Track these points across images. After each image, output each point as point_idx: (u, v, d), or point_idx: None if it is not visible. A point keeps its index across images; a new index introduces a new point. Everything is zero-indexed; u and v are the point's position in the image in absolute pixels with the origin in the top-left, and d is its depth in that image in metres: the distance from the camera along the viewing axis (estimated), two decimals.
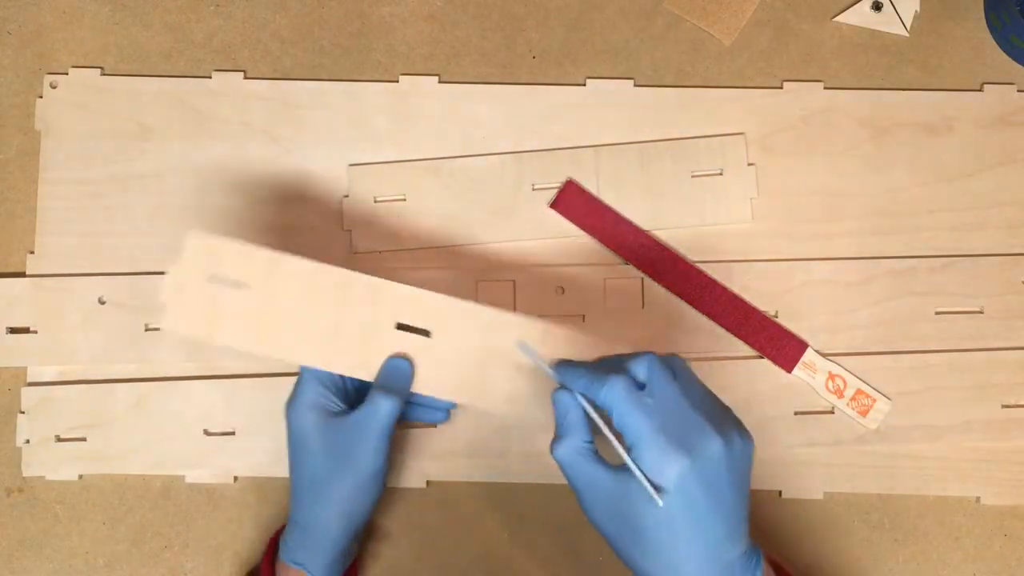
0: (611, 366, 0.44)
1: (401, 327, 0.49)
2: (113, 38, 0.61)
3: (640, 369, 0.43)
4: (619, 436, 0.42)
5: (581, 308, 0.58)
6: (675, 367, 0.44)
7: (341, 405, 0.50)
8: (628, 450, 0.41)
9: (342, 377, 0.51)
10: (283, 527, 0.53)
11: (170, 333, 0.48)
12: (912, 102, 0.61)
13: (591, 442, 0.44)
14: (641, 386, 0.43)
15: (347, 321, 0.49)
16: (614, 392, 0.42)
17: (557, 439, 0.44)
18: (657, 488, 0.40)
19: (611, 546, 0.43)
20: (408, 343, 0.49)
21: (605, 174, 0.60)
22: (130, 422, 0.57)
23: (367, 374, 0.50)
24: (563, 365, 0.47)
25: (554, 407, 0.45)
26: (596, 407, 0.44)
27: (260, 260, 0.49)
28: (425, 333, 0.50)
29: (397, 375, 0.49)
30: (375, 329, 0.49)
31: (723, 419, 0.43)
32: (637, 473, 0.40)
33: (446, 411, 0.54)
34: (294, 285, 0.49)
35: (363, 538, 0.57)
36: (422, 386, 0.50)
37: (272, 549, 0.52)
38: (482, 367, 0.50)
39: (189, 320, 0.48)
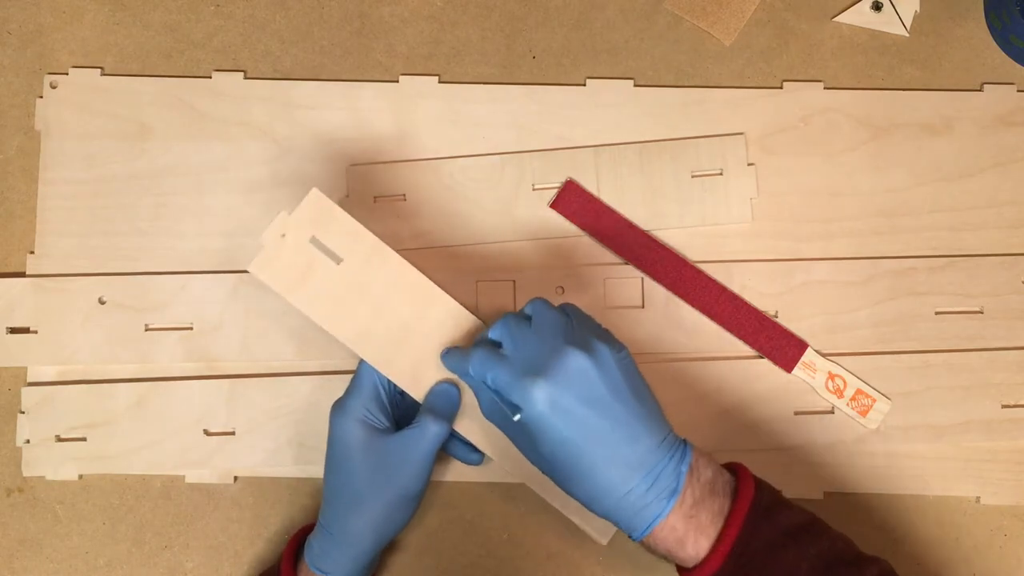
0: (477, 340, 0.49)
1: None
2: (113, 38, 0.61)
3: (495, 332, 0.48)
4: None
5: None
6: (530, 311, 0.48)
7: (385, 423, 0.50)
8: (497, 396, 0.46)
9: (387, 392, 0.51)
10: (304, 529, 0.53)
11: (254, 274, 0.48)
12: (912, 102, 0.61)
13: (496, 397, 0.47)
14: (499, 345, 0.47)
15: (416, 332, 0.50)
16: (476, 361, 0.46)
17: (480, 405, 0.49)
18: (514, 408, 0.44)
19: (554, 483, 0.46)
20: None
21: (605, 174, 0.60)
22: (130, 422, 0.57)
23: (414, 390, 0.50)
24: (446, 353, 0.50)
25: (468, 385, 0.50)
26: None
27: (364, 242, 0.49)
28: None
29: (445, 401, 0.50)
30: (436, 350, 0.50)
31: (584, 336, 0.45)
32: (501, 404, 0.45)
33: (482, 454, 0.54)
34: (384, 278, 0.49)
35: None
36: (460, 424, 0.50)
37: (292, 550, 0.52)
38: None
39: (276, 270, 0.49)
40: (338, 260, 0.49)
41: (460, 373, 0.49)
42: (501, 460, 0.51)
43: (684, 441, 0.46)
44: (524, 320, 0.47)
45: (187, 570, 0.58)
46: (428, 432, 0.49)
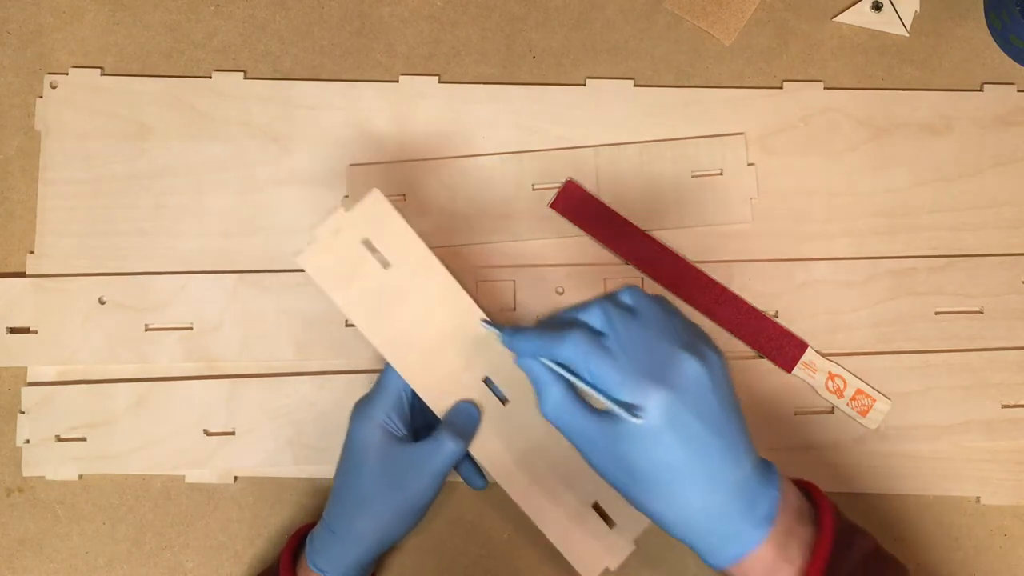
0: (564, 323, 0.42)
1: (487, 382, 0.50)
2: (113, 38, 0.61)
3: (593, 317, 0.42)
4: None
5: None
6: (631, 301, 0.42)
7: (403, 431, 0.50)
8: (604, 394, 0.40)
9: (409, 400, 0.50)
10: (306, 526, 0.53)
11: (300, 265, 0.48)
12: (912, 102, 0.61)
13: (571, 391, 0.42)
14: (600, 333, 0.41)
15: (449, 349, 0.49)
16: (573, 347, 0.41)
17: (540, 400, 0.43)
18: (632, 410, 0.39)
19: (621, 493, 0.42)
20: (483, 399, 0.50)
21: (605, 174, 0.59)
22: (130, 422, 0.57)
23: (436, 405, 0.50)
24: (512, 333, 0.44)
25: (528, 375, 0.44)
26: (563, 367, 0.42)
27: (415, 251, 0.48)
28: (503, 400, 0.50)
29: (466, 420, 0.49)
30: (465, 370, 0.50)
31: (693, 340, 0.41)
32: (608, 403, 0.39)
33: (486, 481, 0.53)
34: (428, 290, 0.49)
35: None
36: (475, 446, 0.50)
37: (292, 547, 0.52)
38: (532, 465, 0.50)
39: (323, 266, 0.48)
40: (386, 265, 0.48)
41: (530, 354, 0.43)
42: (507, 486, 0.50)
43: (769, 463, 0.42)
44: (627, 310, 0.42)
45: (187, 570, 0.58)
46: (445, 448, 0.48)
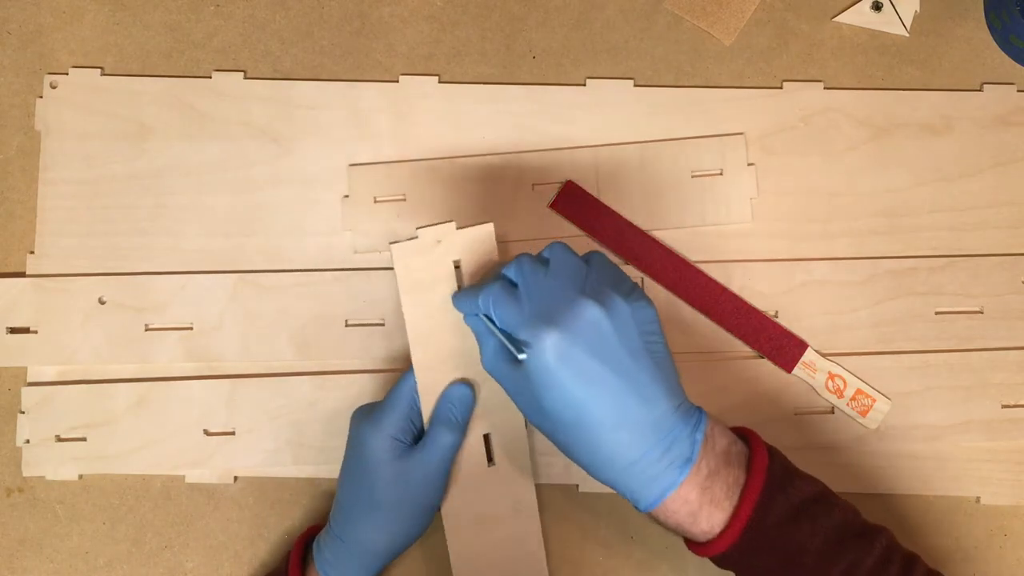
0: (492, 278, 0.47)
1: (486, 438, 0.52)
2: (113, 38, 0.61)
3: (511, 270, 0.45)
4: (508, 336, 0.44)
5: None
6: (548, 255, 0.45)
7: (409, 440, 0.50)
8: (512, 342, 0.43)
9: (417, 411, 0.51)
10: (310, 530, 0.53)
11: (392, 251, 0.49)
12: (912, 102, 0.61)
13: (502, 345, 0.45)
14: (515, 285, 0.45)
15: (475, 386, 0.51)
16: (488, 299, 0.44)
17: (481, 354, 0.47)
18: (519, 348, 0.42)
19: (550, 440, 0.44)
20: (476, 455, 0.52)
21: (605, 174, 0.59)
22: (130, 422, 0.57)
23: (427, 404, 0.51)
24: (458, 293, 0.49)
25: (473, 332, 0.48)
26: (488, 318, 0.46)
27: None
28: (490, 460, 0.52)
29: (457, 406, 0.50)
30: (476, 418, 0.51)
31: (601, 288, 0.43)
32: (499, 336, 0.43)
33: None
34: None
35: None
36: (473, 429, 0.51)
37: (299, 552, 0.52)
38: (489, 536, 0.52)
39: (410, 265, 0.49)
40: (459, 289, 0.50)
41: (468, 311, 0.48)
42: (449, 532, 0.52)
43: (699, 408, 0.44)
44: (541, 263, 0.45)
45: (187, 570, 0.58)
46: (441, 442, 0.49)
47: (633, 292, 0.44)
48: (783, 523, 0.43)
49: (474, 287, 0.47)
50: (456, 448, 0.50)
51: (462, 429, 0.50)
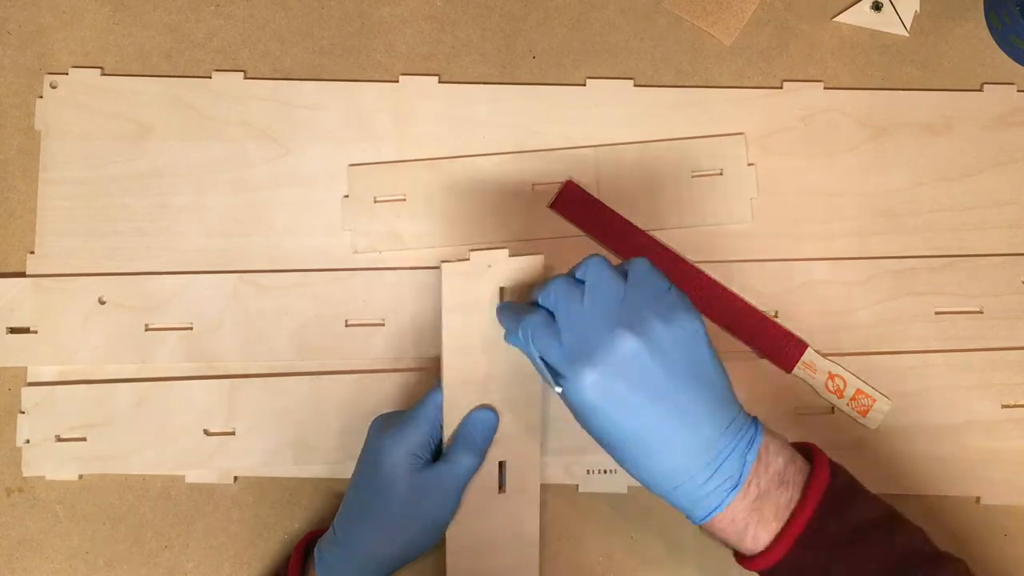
0: (529, 304, 0.45)
1: (500, 465, 0.52)
2: (113, 38, 0.61)
3: (548, 298, 0.44)
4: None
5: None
6: (587, 279, 0.43)
7: (428, 456, 0.50)
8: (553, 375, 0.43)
9: (439, 429, 0.51)
10: (309, 536, 0.53)
11: (444, 271, 0.48)
12: (912, 102, 0.61)
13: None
14: (552, 314, 0.43)
15: (498, 412, 0.51)
16: (528, 332, 0.43)
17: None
18: (557, 381, 0.42)
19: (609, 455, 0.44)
20: (490, 479, 0.52)
21: (605, 174, 0.60)
22: (130, 422, 0.57)
23: (449, 423, 0.51)
24: (501, 310, 0.48)
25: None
26: None
27: None
28: (502, 487, 0.52)
29: (481, 429, 0.50)
30: (494, 445, 0.51)
31: (639, 314, 0.41)
32: (540, 365, 0.43)
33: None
34: (518, 358, 0.49)
35: None
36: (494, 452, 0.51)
37: (300, 557, 0.52)
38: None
39: (457, 283, 0.49)
40: None
41: (509, 330, 0.46)
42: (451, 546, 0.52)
43: (755, 423, 0.43)
44: (576, 287, 0.43)
45: (187, 570, 0.58)
46: (460, 466, 0.49)
47: (675, 307, 0.42)
48: (836, 546, 0.42)
49: (516, 309, 0.46)
50: (474, 471, 0.50)
51: (483, 453, 0.50)
